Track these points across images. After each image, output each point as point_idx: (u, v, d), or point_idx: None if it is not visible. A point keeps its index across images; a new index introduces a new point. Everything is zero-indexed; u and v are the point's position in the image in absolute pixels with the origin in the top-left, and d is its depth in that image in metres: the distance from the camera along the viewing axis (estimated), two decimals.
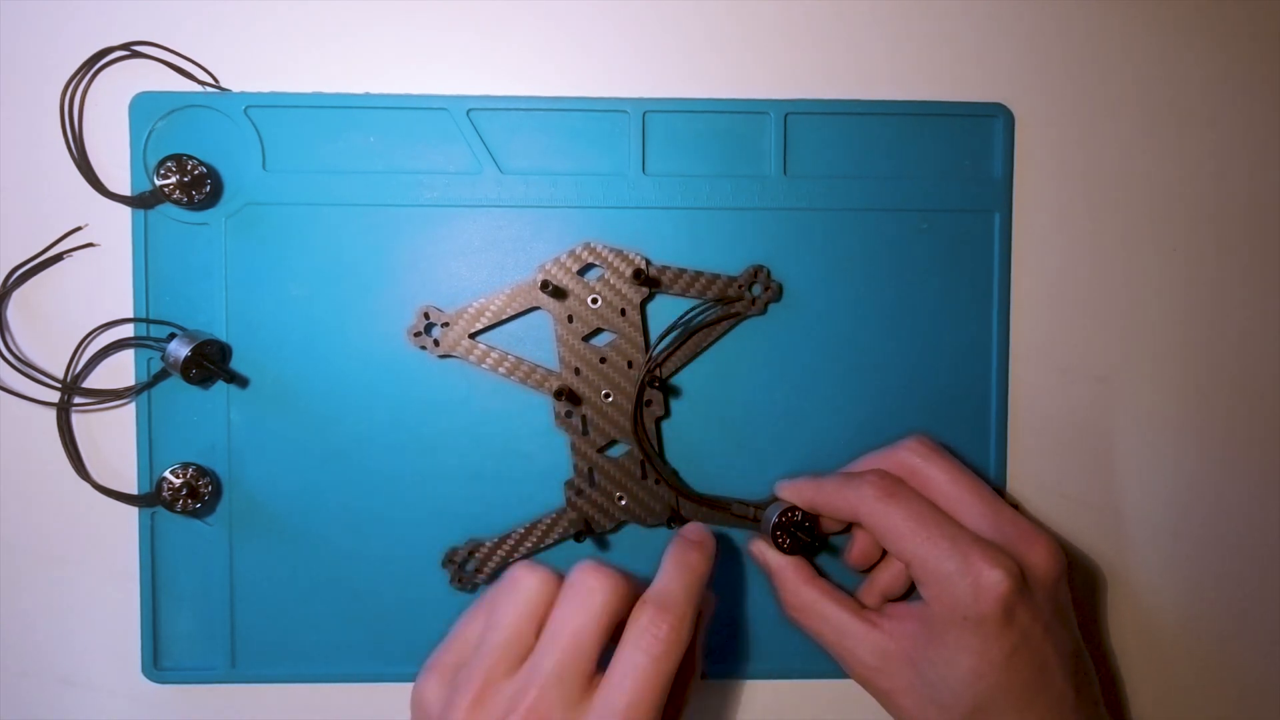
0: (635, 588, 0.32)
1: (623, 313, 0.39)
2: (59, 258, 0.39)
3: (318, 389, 0.39)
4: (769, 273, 0.39)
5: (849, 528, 0.38)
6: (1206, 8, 0.41)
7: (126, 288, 0.38)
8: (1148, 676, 0.42)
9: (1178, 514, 0.41)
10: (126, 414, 0.39)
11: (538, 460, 0.39)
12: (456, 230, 0.39)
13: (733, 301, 0.39)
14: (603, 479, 0.39)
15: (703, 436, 0.40)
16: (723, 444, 0.40)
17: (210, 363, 0.37)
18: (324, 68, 0.39)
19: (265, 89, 0.39)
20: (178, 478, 0.38)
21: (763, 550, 0.38)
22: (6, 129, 0.38)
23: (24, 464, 0.39)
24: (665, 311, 0.39)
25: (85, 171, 0.38)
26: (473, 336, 0.39)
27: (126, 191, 0.38)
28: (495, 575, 0.39)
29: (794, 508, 0.37)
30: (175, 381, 0.38)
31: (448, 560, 0.39)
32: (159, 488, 0.38)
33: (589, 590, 0.30)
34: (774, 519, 0.37)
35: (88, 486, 0.38)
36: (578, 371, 0.39)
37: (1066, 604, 0.35)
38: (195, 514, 0.38)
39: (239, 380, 0.39)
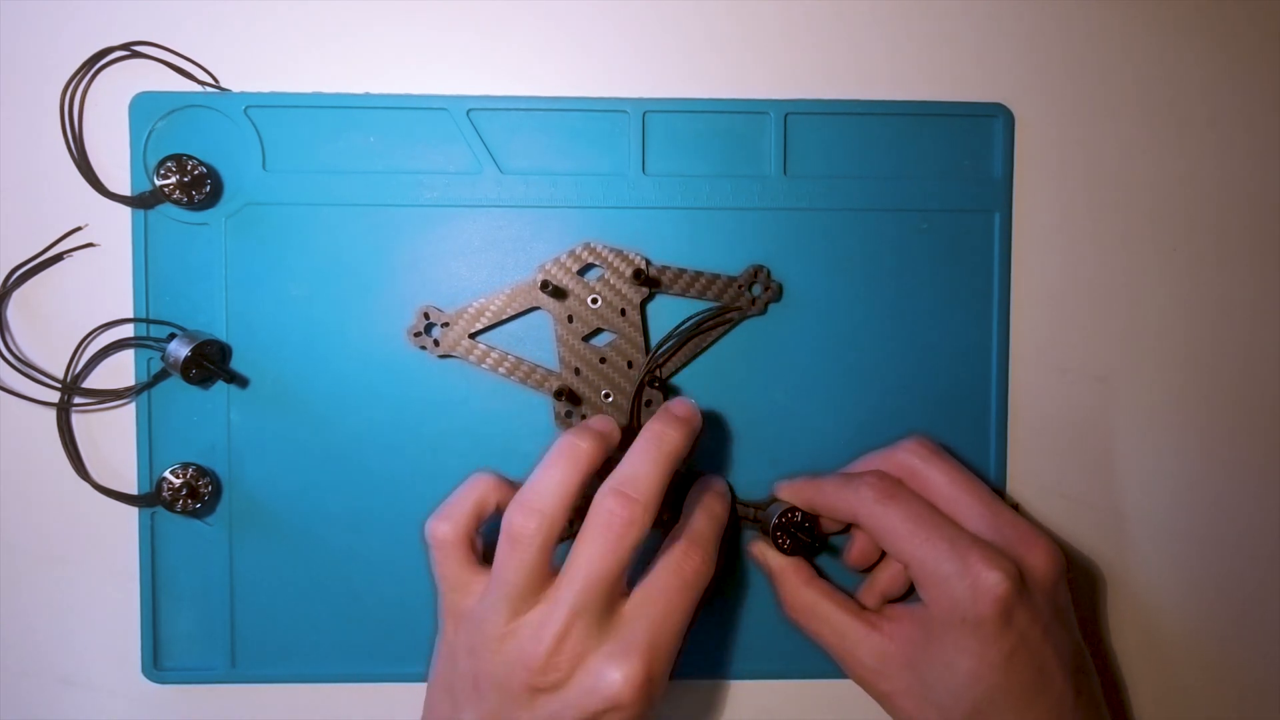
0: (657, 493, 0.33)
1: (623, 313, 0.39)
2: (59, 258, 0.39)
3: (318, 389, 0.39)
4: (769, 273, 0.39)
5: (848, 528, 0.38)
6: (1206, 8, 0.41)
7: (126, 288, 0.38)
8: (1148, 676, 0.42)
9: (1178, 514, 0.41)
10: (126, 414, 0.39)
11: (538, 460, 0.39)
12: (456, 230, 0.39)
13: (730, 310, 0.39)
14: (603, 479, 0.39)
15: (703, 437, 0.40)
16: (723, 444, 0.40)
17: (210, 363, 0.37)
18: (324, 68, 0.39)
19: (265, 89, 0.39)
20: (178, 478, 0.38)
21: (763, 551, 0.38)
22: (6, 129, 0.38)
23: (24, 464, 0.39)
24: (665, 311, 0.39)
25: (85, 171, 0.38)
26: (473, 336, 0.39)
27: (126, 191, 0.38)
28: None
29: (794, 508, 0.37)
30: (175, 381, 0.38)
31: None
32: (159, 488, 0.38)
33: (618, 532, 0.31)
34: (774, 520, 0.37)
35: (88, 486, 0.38)
36: (578, 371, 0.39)
37: (1066, 605, 0.35)
38: (195, 514, 0.38)
39: (239, 380, 0.39)
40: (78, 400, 0.38)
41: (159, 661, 0.39)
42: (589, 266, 0.39)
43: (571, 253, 0.39)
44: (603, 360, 0.39)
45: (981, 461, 0.40)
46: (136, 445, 0.38)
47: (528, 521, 0.32)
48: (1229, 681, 0.42)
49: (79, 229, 0.39)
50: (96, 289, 0.39)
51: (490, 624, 0.32)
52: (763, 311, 0.39)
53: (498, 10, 0.39)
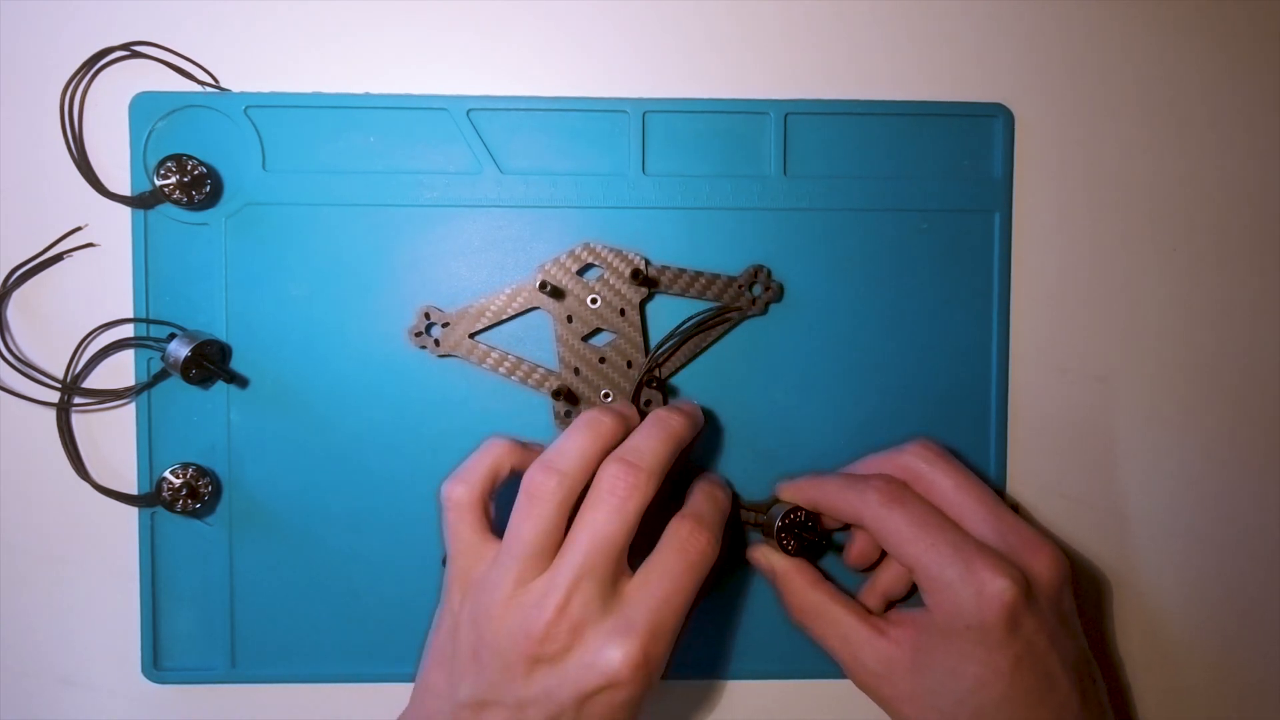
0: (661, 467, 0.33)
1: (622, 313, 0.39)
2: (59, 258, 0.39)
3: (318, 389, 0.39)
4: (769, 273, 0.39)
5: (848, 525, 0.38)
6: (1206, 8, 0.41)
7: (126, 288, 0.38)
8: (1150, 677, 0.42)
9: (1178, 514, 0.41)
10: (126, 414, 0.39)
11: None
12: (456, 230, 0.39)
13: (730, 310, 0.39)
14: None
15: (703, 436, 0.40)
16: (723, 444, 0.40)
17: (210, 363, 0.37)
18: (324, 68, 0.39)
19: (265, 89, 0.39)
20: (178, 478, 0.38)
21: (766, 555, 0.38)
22: (6, 129, 0.38)
23: (24, 464, 0.39)
24: (665, 311, 0.39)
25: (85, 171, 0.38)
26: (473, 336, 0.39)
27: (126, 191, 0.38)
28: None
29: (797, 508, 0.37)
30: (175, 381, 0.38)
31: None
32: (159, 488, 0.38)
33: (621, 496, 0.31)
34: (778, 521, 0.37)
35: (88, 486, 0.38)
36: (577, 371, 0.39)
37: (1071, 611, 0.35)
38: (195, 514, 0.38)
39: (239, 380, 0.39)
40: (78, 400, 0.38)
41: (159, 661, 0.39)
42: (588, 266, 0.39)
43: (571, 253, 0.39)
44: (602, 360, 0.39)
45: (981, 461, 0.40)
46: (136, 445, 0.38)
47: (548, 479, 0.32)
48: (1231, 681, 0.42)
49: (79, 229, 0.39)
50: (96, 289, 0.39)
51: (498, 589, 0.31)
52: (763, 311, 0.39)
53: (498, 10, 0.39)
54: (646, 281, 0.38)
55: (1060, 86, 0.40)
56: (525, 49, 0.40)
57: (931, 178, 0.40)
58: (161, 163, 0.37)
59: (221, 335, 0.38)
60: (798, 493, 0.37)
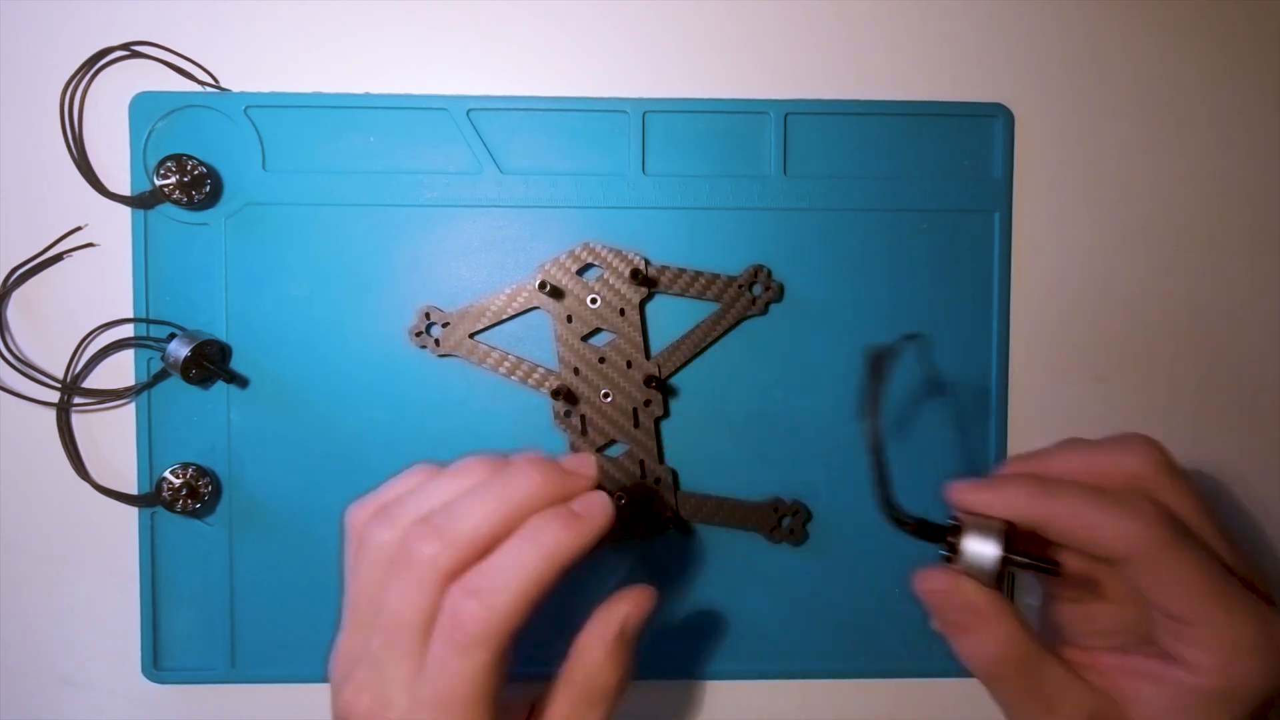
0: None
1: (622, 313, 0.39)
2: (59, 258, 0.39)
3: (318, 389, 0.39)
4: (769, 273, 0.39)
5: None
6: (1206, 8, 0.41)
7: (126, 288, 0.38)
8: None
9: None
10: (126, 414, 0.39)
11: None
12: (456, 230, 0.39)
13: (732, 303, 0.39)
14: (602, 479, 0.39)
15: (703, 436, 0.40)
16: (723, 444, 0.40)
17: (210, 363, 0.37)
18: (324, 68, 0.39)
19: (265, 89, 0.39)
20: (178, 478, 0.38)
21: (961, 587, 0.28)
22: (6, 129, 0.38)
23: (24, 464, 0.39)
24: (665, 311, 0.39)
25: (85, 171, 0.38)
26: (473, 336, 0.39)
27: (126, 191, 0.38)
28: None
29: (1011, 525, 0.27)
30: (175, 381, 0.38)
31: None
32: (159, 488, 0.38)
33: (465, 637, 0.27)
34: (997, 546, 0.27)
35: (88, 486, 0.38)
36: (577, 371, 0.39)
37: None
38: (195, 514, 0.38)
39: (239, 380, 0.39)
40: (78, 400, 0.38)
41: (159, 661, 0.39)
42: (588, 266, 0.39)
43: (571, 253, 0.39)
44: (602, 360, 0.39)
45: (982, 461, 0.40)
46: (136, 445, 0.38)
47: (426, 544, 0.27)
48: None
49: (79, 229, 0.39)
50: (96, 289, 0.39)
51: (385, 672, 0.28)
52: (763, 311, 0.39)
53: (498, 10, 0.39)
54: (646, 281, 0.38)
55: (1060, 86, 0.40)
56: (525, 49, 0.40)
57: (931, 178, 0.40)
58: (161, 163, 0.37)
59: (221, 335, 0.38)
60: (1010, 503, 0.27)
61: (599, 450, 0.39)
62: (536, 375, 0.39)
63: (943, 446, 0.40)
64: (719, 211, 0.39)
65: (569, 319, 0.39)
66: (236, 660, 0.39)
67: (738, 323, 0.39)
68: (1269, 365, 0.41)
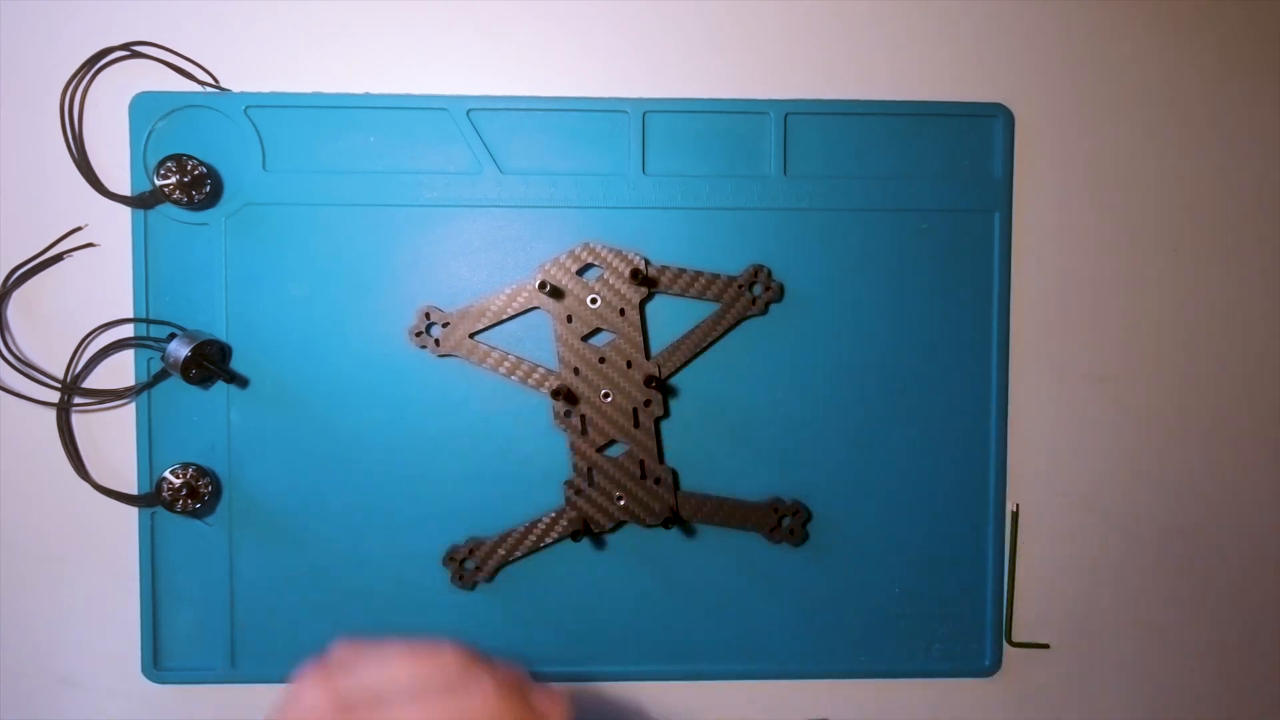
0: None
1: (622, 312, 0.39)
2: (59, 258, 0.39)
3: (318, 389, 0.39)
4: (769, 273, 0.39)
5: None
6: (1206, 8, 0.41)
7: (126, 288, 0.38)
8: (1152, 675, 0.42)
9: (1177, 514, 0.41)
10: (126, 414, 0.39)
11: (537, 460, 0.39)
12: (456, 230, 0.39)
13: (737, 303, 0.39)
14: (602, 478, 0.39)
15: (703, 436, 0.40)
16: (723, 444, 0.40)
17: (210, 363, 0.37)
18: (324, 68, 0.39)
19: (265, 89, 0.39)
20: (178, 478, 0.38)
21: None
22: (6, 129, 0.38)
23: (24, 464, 0.39)
24: (665, 311, 0.39)
25: (85, 171, 0.38)
26: (473, 336, 0.39)
27: (126, 191, 0.38)
28: (495, 573, 0.39)
29: None
30: (175, 381, 0.38)
31: (448, 559, 0.39)
32: (159, 488, 0.38)
33: None
34: None
35: (88, 486, 0.38)
36: (577, 371, 0.39)
37: None
38: (195, 514, 0.38)
39: (239, 380, 0.39)
40: (78, 400, 0.38)
41: (159, 661, 0.39)
42: (588, 266, 0.39)
43: (571, 253, 0.39)
44: (602, 360, 0.39)
45: (982, 461, 0.40)
46: (136, 445, 0.38)
47: None
48: (1232, 680, 0.42)
49: (79, 229, 0.39)
50: (96, 289, 0.39)
51: None
52: (763, 311, 0.39)
53: (498, 10, 0.39)
54: (646, 281, 0.38)
55: (1060, 86, 0.40)
56: (525, 49, 0.40)
57: (931, 178, 0.40)
58: (161, 163, 0.37)
59: (221, 335, 0.38)
60: None
61: (599, 450, 0.39)
62: (536, 375, 0.39)
63: (943, 446, 0.40)
64: (719, 211, 0.39)
65: (569, 319, 0.39)
66: (236, 660, 0.39)
67: (738, 323, 0.39)
68: (1269, 365, 0.41)
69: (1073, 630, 0.41)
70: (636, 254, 0.38)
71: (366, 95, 0.39)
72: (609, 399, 0.39)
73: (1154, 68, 0.41)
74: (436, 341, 0.39)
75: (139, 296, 0.38)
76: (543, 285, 0.38)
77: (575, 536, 0.39)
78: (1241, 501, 0.41)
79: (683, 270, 0.39)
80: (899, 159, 0.40)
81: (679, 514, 0.39)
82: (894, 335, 0.40)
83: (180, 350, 0.36)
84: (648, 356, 0.39)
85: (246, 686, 0.39)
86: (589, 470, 0.39)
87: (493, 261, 0.39)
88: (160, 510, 0.38)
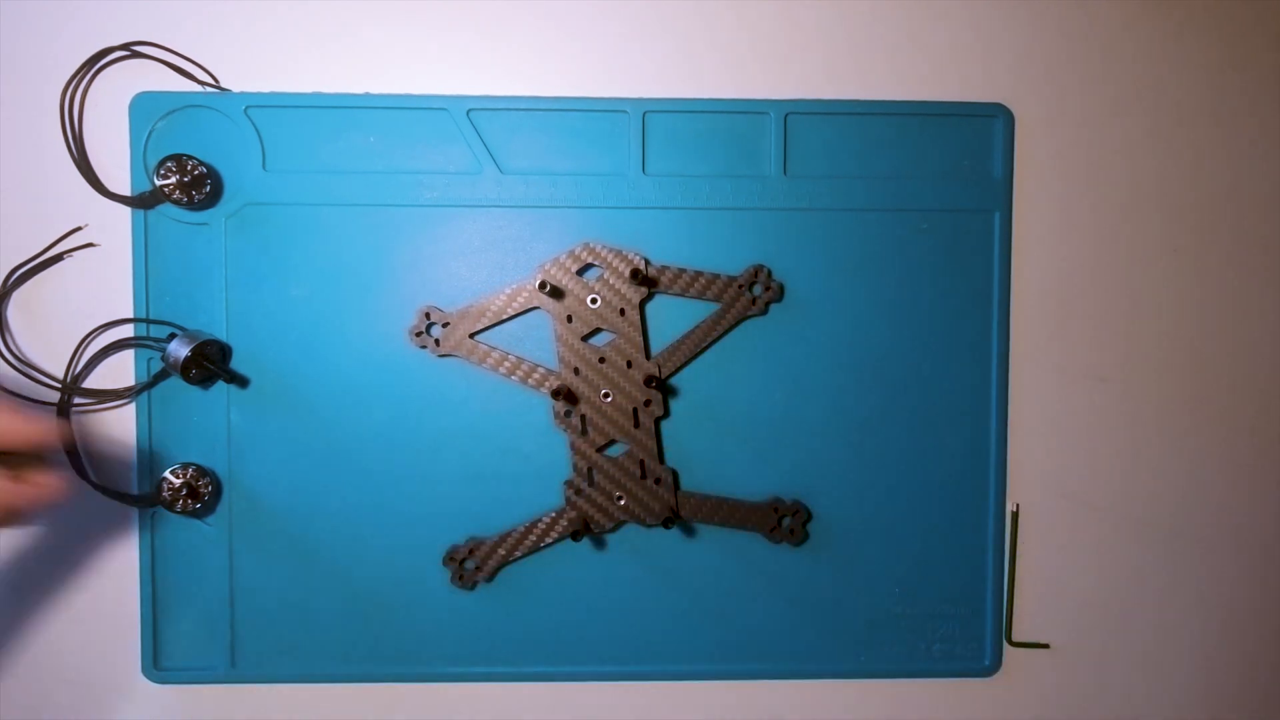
0: None
1: (622, 312, 0.39)
2: (59, 258, 0.39)
3: (318, 389, 0.39)
4: (769, 273, 0.39)
5: None
6: (1207, 7, 0.41)
7: (126, 288, 0.38)
8: (1151, 674, 0.42)
9: (1178, 513, 0.41)
10: (126, 414, 0.39)
11: (537, 460, 0.39)
12: (456, 230, 0.39)
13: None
14: (602, 478, 0.39)
15: (703, 436, 0.40)
16: (723, 444, 0.40)
17: (210, 363, 0.37)
18: (324, 68, 0.39)
19: (265, 89, 0.39)
20: (178, 478, 0.38)
21: None
22: (6, 129, 0.38)
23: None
24: (665, 311, 0.39)
25: (85, 171, 0.38)
26: (473, 336, 0.39)
27: (126, 191, 0.38)
28: (495, 573, 0.39)
29: None
30: (175, 381, 0.38)
31: (448, 558, 0.39)
32: (159, 488, 0.38)
33: None
34: None
35: (87, 486, 0.38)
36: (577, 371, 0.39)
37: None
38: (195, 514, 0.38)
39: (239, 380, 0.39)
40: (78, 400, 0.38)
41: (159, 661, 0.39)
42: (588, 266, 0.39)
43: (571, 253, 0.39)
44: (602, 360, 0.39)
45: (982, 461, 0.40)
46: (136, 445, 0.38)
47: None
48: (1232, 680, 0.42)
49: (79, 229, 0.39)
50: (96, 289, 0.39)
51: None
52: (763, 311, 0.39)
53: (498, 10, 0.39)
54: (646, 281, 0.38)
55: (1060, 86, 0.40)
56: (525, 49, 0.40)
57: (931, 178, 0.40)
58: (161, 163, 0.37)
59: (221, 335, 0.38)
60: None
61: (599, 450, 0.39)
62: (536, 375, 0.39)
63: (943, 446, 0.40)
64: (719, 211, 0.39)
65: (569, 319, 0.39)
66: (236, 660, 0.39)
67: (738, 323, 0.39)
68: (1270, 365, 0.41)
69: (1073, 630, 0.41)
70: (636, 254, 0.38)
71: (366, 95, 0.39)
72: (609, 399, 0.39)
73: (1154, 67, 0.41)
74: (436, 341, 0.39)
75: (139, 296, 0.38)
76: (543, 285, 0.38)
77: (575, 536, 0.39)
78: (1242, 501, 0.41)
79: (683, 270, 0.39)
80: (899, 159, 0.40)
81: (679, 514, 0.39)
82: (894, 335, 0.40)
83: (180, 350, 0.36)
84: (648, 356, 0.39)
85: (246, 686, 0.39)
86: (589, 470, 0.39)
87: (493, 261, 0.39)
88: (160, 510, 0.38)
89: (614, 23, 0.40)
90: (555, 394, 0.38)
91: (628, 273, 0.38)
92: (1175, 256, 0.41)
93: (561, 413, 0.39)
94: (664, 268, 0.39)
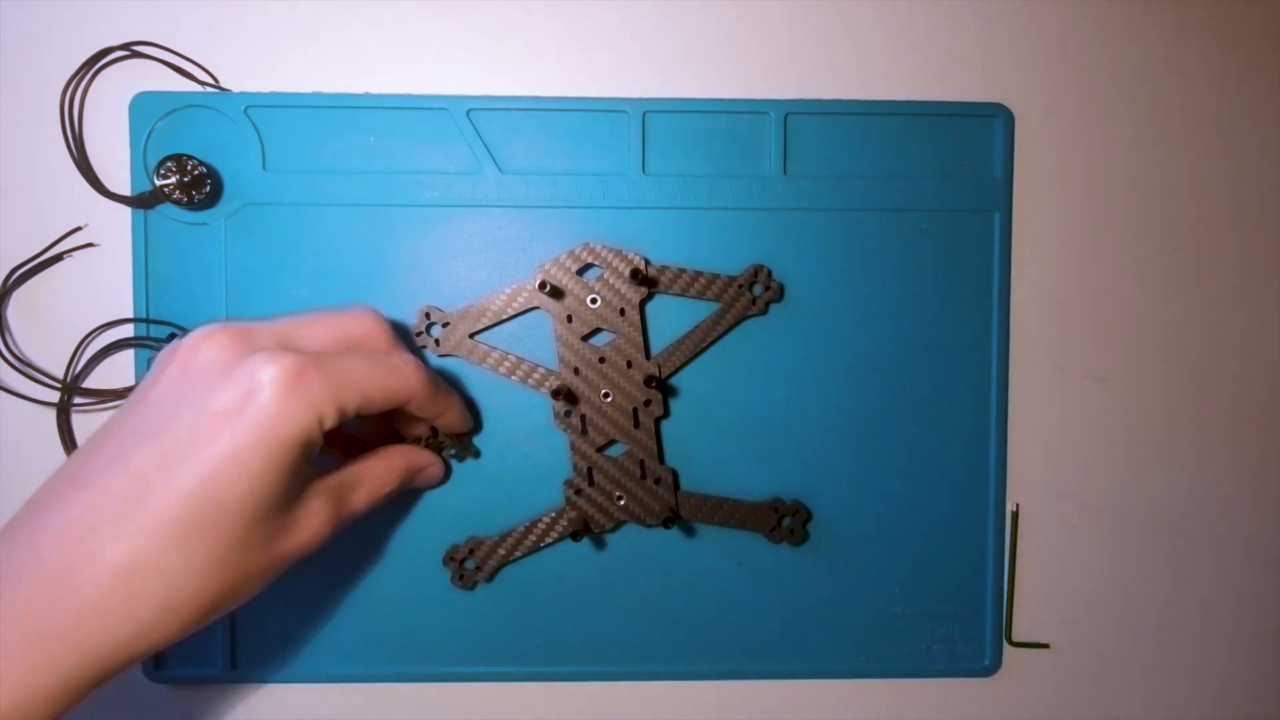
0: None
1: (622, 312, 0.39)
2: (59, 258, 0.39)
3: None
4: (769, 273, 0.39)
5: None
6: (1207, 6, 0.41)
7: (126, 288, 0.38)
8: (1151, 674, 0.42)
9: (1178, 513, 0.41)
10: None
11: (537, 460, 0.39)
12: (456, 230, 0.39)
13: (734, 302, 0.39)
14: (602, 478, 0.39)
15: (703, 436, 0.40)
16: (723, 444, 0.40)
17: None
18: (324, 68, 0.39)
19: (265, 89, 0.39)
20: None
21: None
22: (6, 129, 0.38)
23: (24, 464, 0.39)
24: (665, 311, 0.39)
25: (85, 171, 0.38)
26: (473, 336, 0.39)
27: (126, 191, 0.38)
28: (495, 573, 0.39)
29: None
30: None
31: (448, 558, 0.39)
32: None
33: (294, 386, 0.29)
34: None
35: None
36: (577, 371, 0.39)
37: None
38: None
39: None
40: (78, 400, 0.38)
41: (159, 661, 0.39)
42: (588, 266, 0.39)
43: (571, 253, 0.39)
44: (602, 360, 0.39)
45: (982, 462, 0.40)
46: None
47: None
48: (1232, 680, 0.42)
49: (79, 229, 0.39)
50: (96, 289, 0.39)
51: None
52: (763, 311, 0.39)
53: (498, 10, 0.39)
54: (646, 281, 0.38)
55: (1060, 86, 0.40)
56: (525, 49, 0.40)
57: (931, 178, 0.40)
58: (161, 163, 0.37)
59: None
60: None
61: (599, 450, 0.39)
62: (536, 375, 0.39)
63: (943, 446, 0.40)
64: (719, 211, 0.39)
65: (569, 319, 0.39)
66: (236, 660, 0.39)
67: (738, 323, 0.39)
68: (1270, 365, 0.41)
69: (1073, 630, 0.41)
70: (636, 254, 0.38)
71: (366, 95, 0.39)
72: (609, 399, 0.39)
73: (1154, 67, 0.41)
74: (436, 341, 0.39)
75: (139, 296, 0.38)
76: (543, 285, 0.38)
77: (575, 536, 0.39)
78: (1242, 501, 0.41)
79: (683, 270, 0.39)
80: (899, 159, 0.40)
81: (679, 514, 0.39)
82: (894, 335, 0.40)
83: None
84: (648, 356, 0.39)
85: (246, 686, 0.39)
86: (589, 470, 0.39)
87: (493, 261, 0.39)
88: None
89: (614, 23, 0.40)
90: (555, 394, 0.38)
91: (628, 273, 0.38)
92: (1175, 256, 0.41)
93: (561, 413, 0.39)
94: (664, 268, 0.39)
